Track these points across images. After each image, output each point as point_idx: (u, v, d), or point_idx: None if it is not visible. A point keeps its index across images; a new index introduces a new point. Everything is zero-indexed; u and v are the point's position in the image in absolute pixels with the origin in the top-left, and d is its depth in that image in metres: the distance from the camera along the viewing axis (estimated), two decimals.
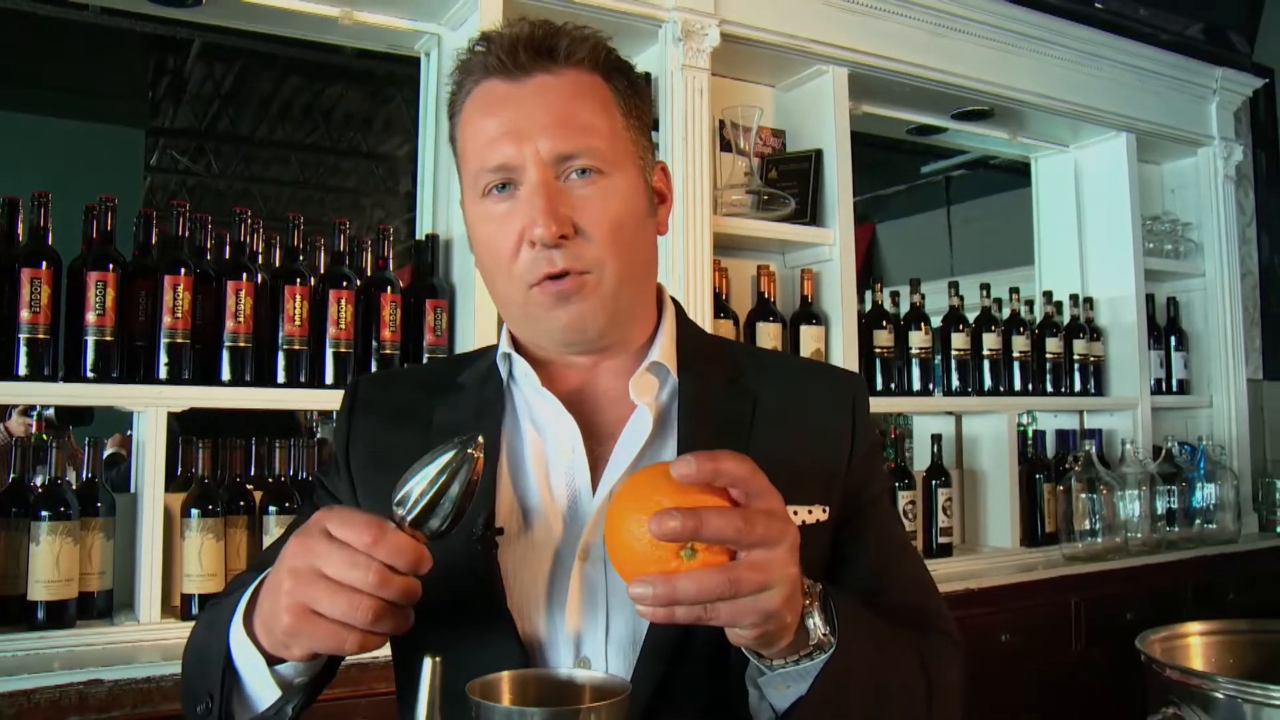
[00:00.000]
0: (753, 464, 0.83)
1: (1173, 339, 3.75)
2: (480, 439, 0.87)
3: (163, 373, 2.04)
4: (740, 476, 0.82)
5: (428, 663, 0.80)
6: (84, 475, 2.05)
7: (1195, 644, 0.98)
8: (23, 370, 1.93)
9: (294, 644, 0.87)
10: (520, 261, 1.04)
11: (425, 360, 2.29)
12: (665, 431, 1.09)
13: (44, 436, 2.59)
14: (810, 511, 1.08)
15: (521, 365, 1.11)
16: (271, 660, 0.91)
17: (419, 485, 0.86)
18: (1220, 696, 0.77)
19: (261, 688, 0.93)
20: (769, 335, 2.74)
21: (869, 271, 6.36)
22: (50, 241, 1.98)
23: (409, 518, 0.85)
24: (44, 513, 1.93)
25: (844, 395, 1.17)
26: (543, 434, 1.10)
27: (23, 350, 1.93)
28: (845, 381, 1.20)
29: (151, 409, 2.03)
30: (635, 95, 1.10)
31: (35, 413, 3.42)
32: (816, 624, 0.88)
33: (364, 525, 0.84)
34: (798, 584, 0.84)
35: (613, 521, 0.83)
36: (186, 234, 2.14)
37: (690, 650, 0.99)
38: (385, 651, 1.26)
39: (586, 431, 1.08)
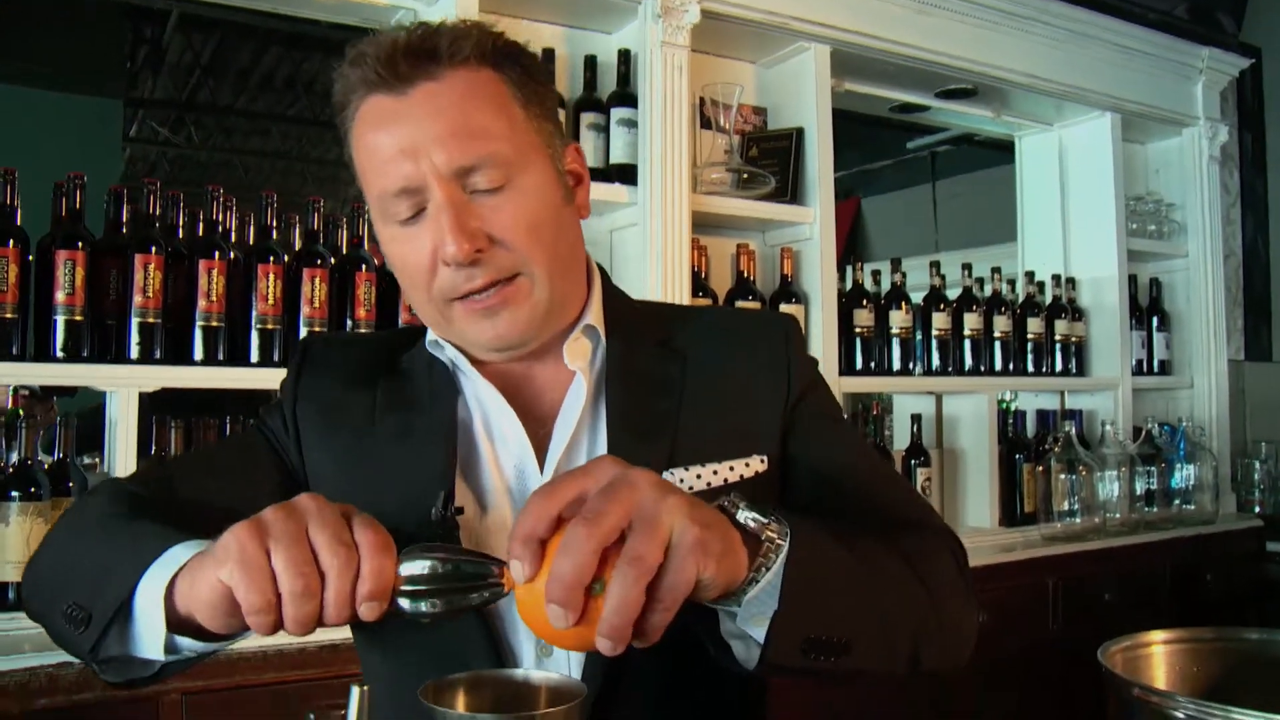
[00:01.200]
0: (545, 487, 0.80)
1: (1155, 319, 3.75)
2: (509, 582, 0.81)
3: (134, 352, 2.02)
4: (555, 502, 0.79)
5: (355, 692, 0.79)
6: (55, 455, 2.03)
7: (1159, 653, 0.95)
8: None
9: (214, 589, 0.79)
10: (439, 279, 1.01)
11: None
12: (601, 399, 1.08)
13: (19, 412, 2.57)
14: (747, 464, 1.07)
15: (459, 357, 1.09)
16: (173, 627, 0.85)
17: (430, 578, 0.80)
18: (1181, 716, 0.75)
19: (149, 641, 0.86)
20: None
21: (854, 246, 6.36)
22: (20, 218, 1.95)
23: (401, 586, 0.80)
24: (14, 493, 1.91)
25: (775, 338, 1.14)
26: (488, 418, 1.09)
27: None
28: (775, 324, 1.17)
29: (123, 389, 2.01)
30: (532, 80, 1.05)
31: (13, 388, 3.38)
32: (752, 517, 0.83)
33: (376, 527, 0.80)
34: (693, 503, 0.79)
35: (536, 629, 0.81)
36: (158, 211, 2.11)
37: None
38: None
39: (530, 413, 1.07)
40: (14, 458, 1.95)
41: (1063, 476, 3.15)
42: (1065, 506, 3.15)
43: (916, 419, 3.08)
